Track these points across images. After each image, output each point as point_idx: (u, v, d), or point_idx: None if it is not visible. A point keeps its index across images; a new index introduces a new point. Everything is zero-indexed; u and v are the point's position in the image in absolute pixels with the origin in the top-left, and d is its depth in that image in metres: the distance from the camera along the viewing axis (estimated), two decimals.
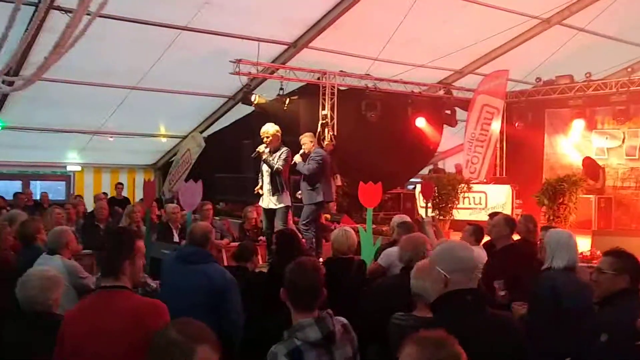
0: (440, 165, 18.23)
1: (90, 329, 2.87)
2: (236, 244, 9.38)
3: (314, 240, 8.61)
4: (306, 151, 8.68)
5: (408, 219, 6.57)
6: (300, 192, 8.89)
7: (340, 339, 2.96)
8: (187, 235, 4.77)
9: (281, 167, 8.17)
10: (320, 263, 4.07)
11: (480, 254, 5.51)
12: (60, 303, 3.87)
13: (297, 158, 8.58)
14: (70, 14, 7.19)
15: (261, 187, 8.52)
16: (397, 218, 6.59)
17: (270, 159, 8.24)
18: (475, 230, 6.16)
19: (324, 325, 2.90)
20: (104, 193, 13.89)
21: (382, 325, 3.63)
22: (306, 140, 8.76)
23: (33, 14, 8.14)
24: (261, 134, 8.37)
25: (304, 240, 8.57)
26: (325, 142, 12.67)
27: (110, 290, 2.97)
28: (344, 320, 3.07)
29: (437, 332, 2.03)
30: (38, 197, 14.30)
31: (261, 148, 8.31)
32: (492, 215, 6.53)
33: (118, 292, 2.97)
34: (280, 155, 8.22)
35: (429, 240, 4.76)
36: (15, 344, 3.60)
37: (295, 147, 8.77)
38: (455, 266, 2.90)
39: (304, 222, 8.63)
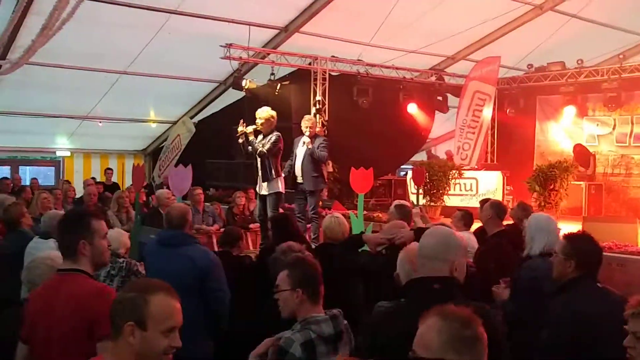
0: (432, 151, 18.24)
1: (42, 310, 2.90)
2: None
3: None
4: (310, 134, 8.61)
5: (406, 203, 6.52)
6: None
7: (344, 339, 3.06)
8: (165, 218, 4.69)
9: (265, 151, 8.05)
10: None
11: (469, 239, 5.49)
12: None
13: (306, 139, 8.51)
14: None
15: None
16: (395, 202, 6.54)
17: (256, 141, 8.14)
18: (463, 215, 6.15)
19: (337, 322, 3.00)
20: (93, 178, 13.78)
21: None
22: (310, 124, 8.72)
23: None
24: (256, 116, 8.30)
25: (309, 227, 8.56)
26: (317, 129, 12.61)
27: (65, 273, 2.96)
28: (345, 321, 3.14)
29: (464, 309, 2.00)
30: (27, 183, 14.19)
31: (249, 129, 8.20)
32: (483, 202, 6.52)
33: (71, 276, 2.94)
34: (269, 139, 8.13)
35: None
36: (14, 331, 3.58)
37: (285, 133, 8.70)
38: (428, 253, 2.83)
39: (314, 210, 8.57)
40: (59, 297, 2.87)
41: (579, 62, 13.86)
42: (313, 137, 8.62)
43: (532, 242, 4.31)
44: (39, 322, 2.89)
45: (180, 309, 2.21)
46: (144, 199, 9.42)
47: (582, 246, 3.49)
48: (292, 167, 8.77)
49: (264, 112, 8.26)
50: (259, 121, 8.22)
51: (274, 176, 8.15)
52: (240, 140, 8.23)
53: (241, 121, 8.28)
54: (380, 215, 10.60)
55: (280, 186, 8.27)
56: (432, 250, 2.82)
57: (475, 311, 2.80)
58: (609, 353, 2.96)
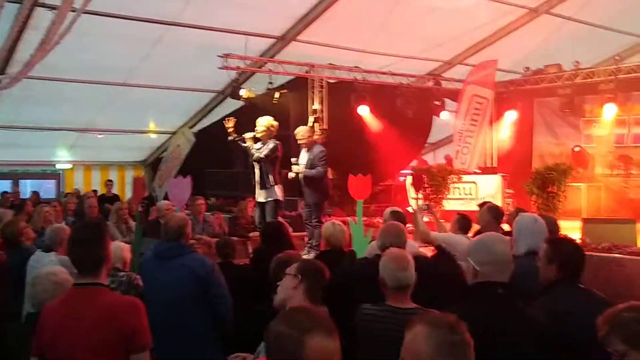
0: (430, 156, 18.25)
1: (66, 323, 2.93)
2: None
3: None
4: (304, 146, 8.65)
5: (399, 209, 6.56)
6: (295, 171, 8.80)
7: None
8: (162, 230, 4.72)
9: (262, 156, 8.11)
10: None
11: (466, 242, 5.50)
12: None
13: (300, 168, 8.53)
14: (55, 11, 7.17)
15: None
16: (389, 209, 6.59)
17: (252, 147, 8.20)
18: (459, 219, 6.15)
19: None
20: (94, 191, 13.83)
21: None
22: (305, 134, 8.72)
23: (18, 12, 8.07)
24: (256, 124, 8.39)
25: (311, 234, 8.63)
26: (316, 136, 12.66)
27: (89, 287, 3.01)
28: None
29: (448, 315, 2.01)
30: (28, 196, 14.23)
31: (247, 135, 8.29)
32: (481, 205, 6.54)
33: (97, 289, 3.01)
34: (267, 146, 8.18)
35: (407, 229, 4.76)
36: (18, 346, 3.63)
37: (284, 141, 8.76)
38: (487, 259, 2.94)
39: (317, 219, 8.59)
40: (86, 310, 2.92)
41: (576, 64, 13.91)
42: (310, 146, 8.65)
43: (518, 242, 4.36)
44: (61, 335, 2.91)
45: (338, 349, 1.99)
46: (141, 209, 9.43)
47: (563, 250, 3.52)
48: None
49: (265, 121, 8.34)
50: (258, 129, 8.29)
51: (272, 183, 8.20)
52: (230, 138, 8.32)
53: (227, 119, 8.36)
54: (381, 221, 10.61)
55: (279, 194, 8.31)
56: (504, 256, 3.00)
57: (528, 318, 2.89)
58: (592, 353, 2.98)
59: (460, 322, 1.98)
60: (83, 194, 12.99)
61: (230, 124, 8.34)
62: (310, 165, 8.52)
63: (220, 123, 14.84)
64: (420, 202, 9.21)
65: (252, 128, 8.50)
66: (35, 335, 3.02)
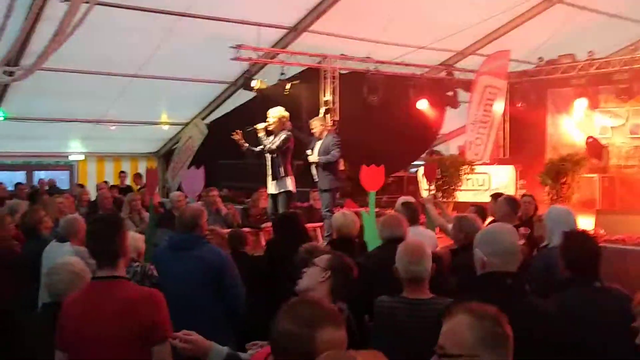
0: (443, 147, 18.19)
1: (88, 316, 2.96)
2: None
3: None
4: (317, 135, 8.73)
5: (412, 199, 6.56)
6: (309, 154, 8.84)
7: None
8: (177, 221, 4.74)
9: (274, 148, 8.13)
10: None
11: None
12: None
13: (314, 158, 8.61)
14: (68, 2, 7.18)
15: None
16: (401, 199, 6.58)
17: (264, 138, 8.22)
18: (477, 210, 6.15)
19: None
20: (105, 182, 13.90)
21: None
22: (317, 124, 8.83)
23: (31, 3, 8.11)
24: (267, 115, 8.42)
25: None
26: (328, 127, 12.66)
27: (109, 280, 3.03)
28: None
29: (490, 307, 1.99)
30: (46, 187, 14.34)
31: (259, 126, 8.30)
32: (495, 196, 6.52)
33: (116, 282, 3.04)
34: (279, 137, 8.20)
35: (406, 221, 4.77)
36: (33, 335, 3.65)
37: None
38: (494, 249, 2.91)
39: (328, 209, 8.63)
40: (106, 304, 2.95)
41: (590, 54, 13.78)
42: (322, 136, 8.75)
43: (552, 235, 4.34)
44: (84, 327, 2.94)
45: (345, 337, 2.01)
46: (159, 199, 9.46)
47: (571, 246, 3.46)
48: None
49: (276, 112, 8.35)
50: (270, 119, 8.30)
51: (283, 174, 8.21)
52: (244, 148, 8.36)
53: (233, 133, 8.40)
54: (393, 212, 10.59)
55: (290, 185, 8.31)
56: (513, 246, 2.96)
57: (538, 309, 2.88)
58: (605, 354, 2.95)
59: (502, 315, 1.97)
60: (96, 185, 13.07)
61: (237, 136, 8.37)
62: (325, 151, 8.59)
63: (232, 114, 15.04)
64: (426, 194, 9.18)
65: (263, 119, 8.50)
66: (58, 329, 3.05)
